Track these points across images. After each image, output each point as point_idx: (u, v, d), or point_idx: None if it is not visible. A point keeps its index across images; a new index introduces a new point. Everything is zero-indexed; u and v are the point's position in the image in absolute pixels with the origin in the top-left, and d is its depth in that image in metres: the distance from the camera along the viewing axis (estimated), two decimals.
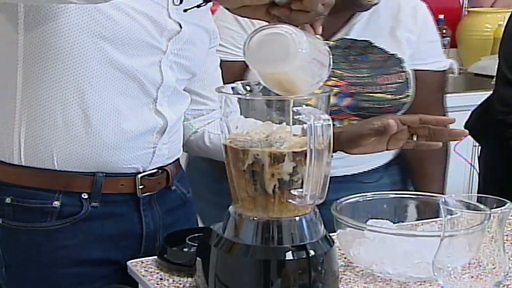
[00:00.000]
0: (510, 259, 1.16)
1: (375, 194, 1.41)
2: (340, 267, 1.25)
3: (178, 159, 1.51)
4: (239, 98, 1.12)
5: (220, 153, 1.60)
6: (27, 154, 1.34)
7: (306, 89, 1.06)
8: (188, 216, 1.56)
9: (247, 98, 1.13)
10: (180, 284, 1.23)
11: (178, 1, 1.37)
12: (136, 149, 1.38)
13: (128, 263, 1.31)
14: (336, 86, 1.65)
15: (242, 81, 1.15)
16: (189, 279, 1.23)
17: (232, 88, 1.13)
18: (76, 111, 1.32)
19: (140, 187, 1.40)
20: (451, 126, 1.50)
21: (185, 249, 1.30)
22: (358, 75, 1.69)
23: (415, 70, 1.75)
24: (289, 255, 1.08)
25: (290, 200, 1.06)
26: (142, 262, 1.31)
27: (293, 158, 1.06)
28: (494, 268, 1.04)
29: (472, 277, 1.04)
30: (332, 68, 1.60)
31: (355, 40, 1.71)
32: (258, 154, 1.06)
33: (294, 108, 1.04)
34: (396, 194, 1.42)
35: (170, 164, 1.46)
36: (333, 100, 1.63)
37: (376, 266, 1.24)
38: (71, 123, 1.32)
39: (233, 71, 1.63)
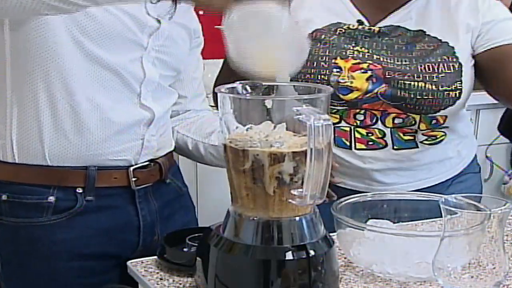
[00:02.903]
0: (510, 259, 1.16)
1: (375, 194, 1.41)
2: (340, 267, 1.25)
3: (170, 153, 1.55)
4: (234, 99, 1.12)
5: (184, 152, 1.64)
6: (19, 151, 1.37)
7: (289, 64, 1.07)
8: (185, 209, 1.60)
9: (247, 98, 1.13)
10: (180, 284, 1.23)
11: (156, 0, 1.40)
12: (124, 141, 1.42)
13: (128, 263, 1.31)
14: (369, 69, 1.56)
15: (242, 82, 1.15)
16: (189, 279, 1.23)
17: (233, 88, 1.14)
18: (64, 106, 1.35)
19: (134, 179, 1.44)
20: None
21: (185, 249, 1.30)
22: (398, 62, 1.58)
23: (492, 49, 1.59)
24: (289, 255, 1.08)
25: (290, 200, 1.06)
26: (142, 262, 1.31)
27: (293, 158, 1.06)
28: (494, 268, 1.04)
29: (472, 277, 1.04)
30: (371, 53, 1.58)
31: (408, 29, 1.61)
32: (258, 154, 1.06)
33: (294, 108, 1.04)
34: (396, 194, 1.42)
35: (162, 157, 1.50)
36: (366, 85, 1.55)
37: (376, 266, 1.24)
38: (59, 118, 1.36)
39: None
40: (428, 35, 1.61)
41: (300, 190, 1.04)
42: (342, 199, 1.34)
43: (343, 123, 1.60)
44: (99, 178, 1.40)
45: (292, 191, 1.06)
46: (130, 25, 1.38)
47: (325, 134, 1.00)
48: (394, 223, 1.36)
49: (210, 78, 2.77)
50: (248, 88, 1.12)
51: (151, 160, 1.47)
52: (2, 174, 1.39)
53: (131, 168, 1.43)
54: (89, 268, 1.41)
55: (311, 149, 1.01)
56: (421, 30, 1.62)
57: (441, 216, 1.07)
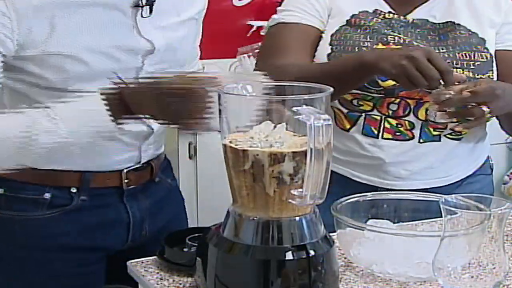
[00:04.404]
0: (510, 259, 1.16)
1: (375, 194, 1.41)
2: (340, 267, 1.25)
3: (162, 153, 1.57)
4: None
5: None
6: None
7: None
8: (175, 203, 1.61)
9: (247, 97, 1.13)
10: (180, 284, 1.23)
11: (147, 13, 1.35)
12: (122, 152, 1.44)
13: (128, 263, 1.32)
14: None
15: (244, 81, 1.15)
16: (189, 279, 1.23)
17: (235, 87, 1.14)
18: None
19: (126, 181, 1.45)
20: None
21: (185, 249, 1.30)
22: (437, 50, 1.58)
23: (506, 51, 1.64)
24: (289, 255, 1.08)
25: (290, 200, 1.06)
26: (142, 262, 1.31)
27: (293, 158, 1.06)
28: (494, 268, 1.04)
29: (472, 277, 1.04)
30: (410, 40, 1.60)
31: (436, 23, 1.63)
32: (258, 154, 1.06)
33: (294, 108, 1.04)
34: (396, 194, 1.42)
35: (154, 159, 1.52)
36: None
37: (376, 266, 1.24)
38: None
39: (305, 35, 1.65)
40: (458, 24, 1.63)
41: (300, 190, 1.04)
42: (342, 199, 1.34)
43: (375, 112, 1.60)
44: (93, 180, 1.42)
45: (292, 191, 1.06)
46: (121, 57, 1.34)
47: (325, 134, 1.00)
48: (394, 223, 1.36)
49: None
50: (249, 88, 1.13)
51: (144, 163, 1.49)
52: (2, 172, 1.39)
53: (125, 171, 1.45)
54: (80, 259, 1.44)
55: (311, 149, 1.01)
56: (450, 21, 1.64)
57: (441, 216, 1.07)
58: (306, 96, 1.07)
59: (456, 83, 1.45)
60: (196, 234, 1.32)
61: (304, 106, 1.04)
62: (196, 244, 1.26)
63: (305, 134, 1.02)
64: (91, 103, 1.22)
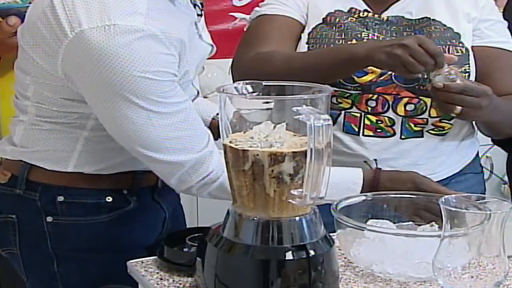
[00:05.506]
0: (510, 259, 1.16)
1: (375, 194, 1.41)
2: (340, 267, 1.25)
3: None
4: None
5: None
6: (79, 167, 1.41)
7: None
8: (174, 202, 1.64)
9: (247, 97, 1.13)
10: (180, 284, 1.23)
11: (201, 12, 1.45)
12: None
13: (128, 263, 1.32)
14: None
15: (244, 81, 1.15)
16: (189, 279, 1.23)
17: (235, 88, 1.14)
18: None
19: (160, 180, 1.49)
20: None
21: (185, 249, 1.30)
22: None
23: (486, 47, 1.66)
24: (289, 255, 1.08)
25: (290, 200, 1.06)
26: (142, 262, 1.31)
27: (293, 158, 1.06)
28: (494, 268, 1.04)
29: (472, 277, 1.04)
30: (381, 38, 1.62)
31: (412, 19, 1.66)
32: (258, 154, 1.06)
33: (294, 108, 1.04)
34: (396, 194, 1.42)
35: None
36: None
37: (376, 266, 1.24)
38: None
39: (287, 26, 1.69)
40: (434, 19, 1.65)
41: (300, 190, 1.04)
42: (342, 199, 1.34)
43: (354, 109, 1.61)
44: (143, 180, 1.46)
45: (292, 191, 1.06)
46: (200, 65, 1.45)
47: (325, 134, 1.00)
48: (394, 223, 1.36)
49: (210, 78, 2.78)
50: (249, 88, 1.13)
51: None
52: (58, 180, 1.41)
53: None
54: (130, 259, 1.45)
55: (311, 149, 1.01)
56: (426, 17, 1.65)
57: (441, 216, 1.07)
58: (306, 96, 1.07)
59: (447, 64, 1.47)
60: (196, 234, 1.32)
61: (304, 106, 1.04)
62: (196, 244, 1.26)
63: (305, 134, 1.02)
64: (353, 178, 1.44)
